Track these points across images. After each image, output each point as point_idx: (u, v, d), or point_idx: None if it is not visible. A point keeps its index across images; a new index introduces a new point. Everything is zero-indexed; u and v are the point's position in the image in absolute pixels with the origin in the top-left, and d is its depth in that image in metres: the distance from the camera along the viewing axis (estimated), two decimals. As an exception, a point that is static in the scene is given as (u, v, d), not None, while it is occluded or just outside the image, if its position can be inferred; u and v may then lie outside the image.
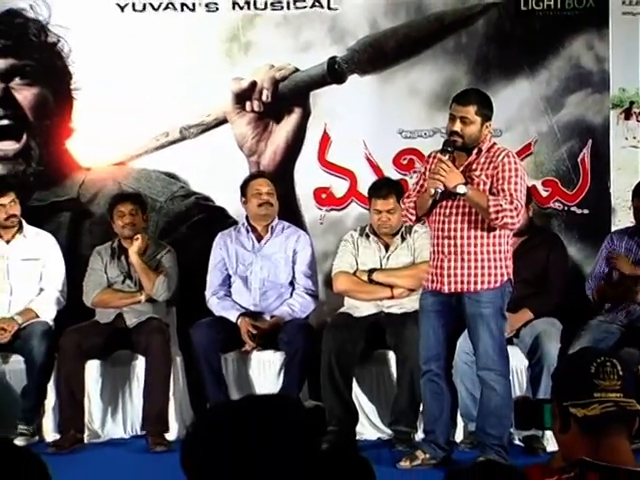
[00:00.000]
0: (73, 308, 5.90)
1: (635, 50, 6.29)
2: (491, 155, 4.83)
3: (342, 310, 5.76)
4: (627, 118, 6.38)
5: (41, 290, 5.88)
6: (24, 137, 6.34)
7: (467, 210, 4.81)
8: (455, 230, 4.83)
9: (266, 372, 5.71)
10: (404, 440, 5.38)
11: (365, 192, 5.95)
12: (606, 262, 5.74)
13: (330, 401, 5.39)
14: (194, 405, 5.73)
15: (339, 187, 6.43)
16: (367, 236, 5.77)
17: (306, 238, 5.97)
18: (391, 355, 5.58)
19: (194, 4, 6.32)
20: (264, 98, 6.33)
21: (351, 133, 6.32)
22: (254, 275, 5.86)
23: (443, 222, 4.85)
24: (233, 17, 6.34)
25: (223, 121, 6.37)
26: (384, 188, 5.70)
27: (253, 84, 6.32)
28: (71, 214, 6.41)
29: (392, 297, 5.67)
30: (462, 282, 4.85)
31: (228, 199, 6.29)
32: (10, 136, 6.35)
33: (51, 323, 5.79)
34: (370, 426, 5.62)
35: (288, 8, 6.32)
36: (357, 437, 5.49)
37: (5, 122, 6.34)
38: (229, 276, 5.91)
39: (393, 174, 6.26)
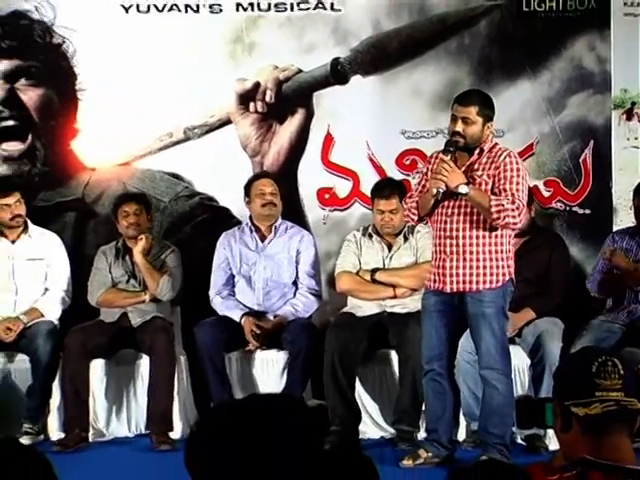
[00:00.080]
0: (78, 307, 5.92)
1: (636, 51, 6.30)
2: (493, 155, 4.84)
3: (345, 310, 5.77)
4: (629, 119, 6.40)
5: (46, 290, 5.89)
6: (29, 138, 6.36)
7: (469, 210, 4.82)
8: (457, 230, 4.84)
9: (269, 371, 5.72)
10: (407, 439, 5.38)
11: (368, 192, 5.95)
12: (607, 260, 5.76)
13: (333, 400, 5.41)
14: (198, 404, 5.74)
15: (342, 187, 6.44)
16: (370, 236, 5.78)
17: (309, 238, 5.98)
18: (394, 354, 5.59)
19: (198, 5, 6.33)
20: (268, 99, 6.34)
21: (354, 134, 6.33)
22: (258, 275, 5.87)
23: (445, 222, 4.87)
24: (237, 18, 6.35)
25: (227, 122, 6.38)
26: (387, 188, 5.70)
27: (257, 85, 6.34)
28: (76, 214, 6.42)
29: (395, 297, 5.68)
30: (464, 282, 4.86)
31: (232, 199, 6.29)
32: (15, 137, 6.36)
33: (56, 322, 5.80)
34: (373, 425, 5.63)
35: (291, 9, 6.34)
36: (360, 436, 5.50)
37: (10, 123, 6.36)
38: (233, 276, 5.92)
39: (396, 174, 6.28)
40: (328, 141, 6.41)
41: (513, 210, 4.70)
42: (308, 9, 6.35)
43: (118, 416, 5.74)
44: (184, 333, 5.93)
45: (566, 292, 5.66)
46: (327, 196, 6.45)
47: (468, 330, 5.02)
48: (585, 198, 6.41)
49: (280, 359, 5.70)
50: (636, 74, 6.34)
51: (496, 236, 4.84)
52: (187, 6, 6.33)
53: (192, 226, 6.44)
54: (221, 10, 6.35)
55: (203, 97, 6.30)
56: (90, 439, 5.59)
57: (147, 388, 5.62)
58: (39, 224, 5.99)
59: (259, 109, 6.36)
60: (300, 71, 6.36)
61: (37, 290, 5.87)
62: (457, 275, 4.87)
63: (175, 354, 5.67)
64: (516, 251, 5.13)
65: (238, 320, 5.73)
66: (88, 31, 6.28)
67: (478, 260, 4.84)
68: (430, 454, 5.02)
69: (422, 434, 5.32)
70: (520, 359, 5.44)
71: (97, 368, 5.69)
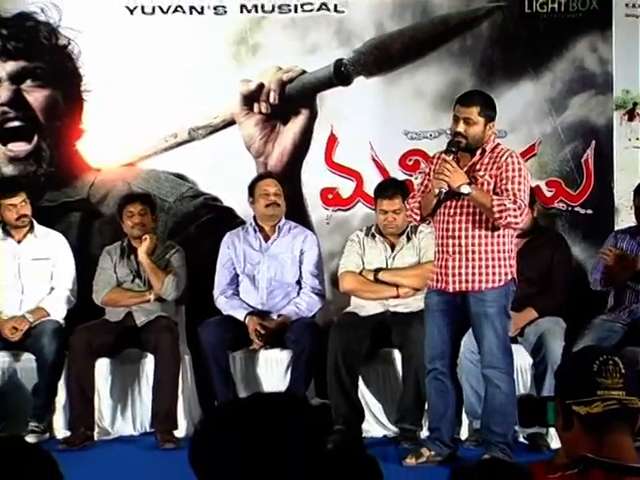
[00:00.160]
0: (83, 307, 5.94)
1: (638, 52, 6.30)
2: (495, 155, 4.86)
3: (348, 309, 5.78)
4: (630, 119, 6.41)
5: (52, 289, 5.91)
6: (35, 138, 6.37)
7: (471, 210, 4.83)
8: (459, 230, 4.86)
9: (273, 370, 5.73)
10: (410, 437, 5.40)
11: (371, 192, 5.97)
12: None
13: (336, 399, 5.42)
14: (202, 403, 5.75)
15: (345, 188, 6.46)
16: (373, 236, 5.80)
17: (313, 238, 6.00)
18: (397, 354, 5.60)
19: (202, 7, 6.34)
20: (271, 100, 6.35)
21: (357, 134, 6.34)
22: (261, 274, 5.89)
23: (448, 222, 4.88)
24: (241, 20, 6.37)
25: (231, 122, 6.39)
26: (390, 188, 5.72)
27: (261, 86, 6.35)
28: (81, 214, 6.44)
29: (398, 296, 5.69)
30: (467, 281, 4.87)
31: (236, 199, 6.31)
32: (21, 137, 6.38)
33: (62, 321, 5.82)
34: (376, 424, 5.64)
35: (295, 11, 6.35)
36: (363, 435, 5.51)
37: (16, 123, 6.38)
38: (237, 275, 5.94)
39: (399, 175, 6.29)
40: (331, 142, 6.42)
41: (515, 210, 4.72)
42: (312, 11, 6.36)
43: (123, 414, 5.77)
44: (188, 332, 5.94)
45: (568, 292, 5.68)
46: (330, 196, 6.46)
47: (470, 329, 5.03)
48: (587, 198, 6.42)
49: (284, 358, 5.72)
50: (637, 75, 6.34)
51: (498, 236, 4.85)
52: (192, 8, 6.35)
53: (196, 226, 6.45)
54: (225, 12, 6.36)
55: (207, 98, 6.31)
56: (95, 437, 5.60)
57: (152, 387, 5.64)
58: (45, 224, 6.01)
59: (263, 110, 6.37)
60: (304, 72, 6.37)
61: (43, 289, 5.90)
62: (460, 275, 4.88)
63: (179, 353, 5.69)
64: (518, 251, 5.15)
65: (242, 319, 5.75)
66: (93, 32, 6.29)
67: (480, 260, 4.85)
68: (433, 452, 5.03)
69: (425, 433, 5.35)
70: (522, 358, 5.45)
71: (102, 367, 5.71)
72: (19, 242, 5.91)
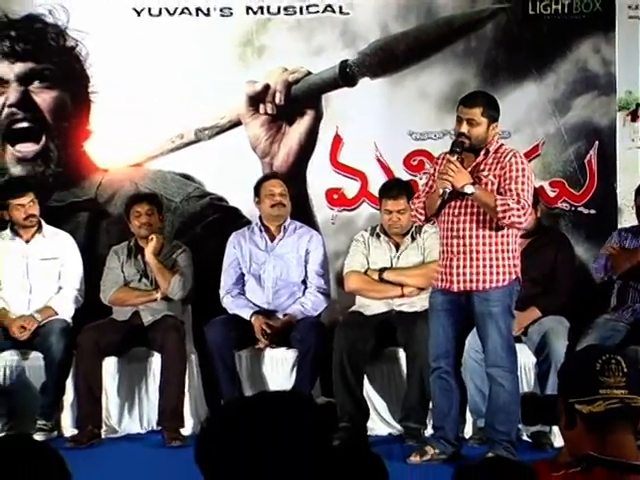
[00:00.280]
0: (91, 306, 5.96)
1: (641, 53, 6.37)
2: (498, 156, 4.87)
3: (353, 309, 5.80)
4: (633, 120, 6.42)
5: (60, 289, 5.93)
6: (43, 139, 6.40)
7: (475, 210, 4.84)
8: (464, 230, 4.87)
9: (279, 369, 5.75)
10: (414, 436, 5.41)
11: (376, 193, 5.99)
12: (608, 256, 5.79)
13: (342, 398, 5.44)
14: (208, 401, 5.78)
15: (350, 188, 6.48)
16: (378, 236, 5.82)
17: (318, 238, 6.02)
18: (401, 353, 5.62)
19: (209, 9, 6.37)
20: (277, 101, 6.37)
21: (362, 135, 6.36)
22: (267, 274, 5.91)
23: (452, 222, 4.90)
24: (247, 21, 6.39)
25: (237, 123, 6.42)
26: (395, 189, 5.74)
27: (266, 87, 6.37)
28: (89, 214, 6.47)
29: (402, 296, 5.71)
30: (471, 281, 4.88)
31: (242, 199, 6.33)
32: (29, 138, 6.41)
33: (69, 321, 5.85)
34: (381, 422, 5.66)
35: (301, 13, 6.38)
36: (368, 433, 5.53)
37: (25, 124, 6.41)
38: (243, 275, 5.96)
39: (403, 175, 6.31)
40: (337, 142, 6.44)
41: (518, 210, 4.73)
42: (317, 12, 6.38)
43: (130, 413, 5.79)
44: (195, 331, 5.96)
45: (571, 291, 5.69)
46: (336, 196, 6.49)
47: (475, 328, 5.04)
48: (590, 198, 6.44)
49: (289, 357, 5.74)
50: (640, 76, 6.40)
51: (502, 236, 4.87)
52: (198, 9, 6.37)
53: (203, 226, 6.47)
54: (231, 13, 6.38)
55: (214, 99, 6.34)
56: (102, 435, 5.63)
57: (158, 385, 5.66)
58: (53, 224, 6.04)
59: (269, 111, 6.39)
60: (309, 73, 6.39)
61: (51, 289, 5.92)
62: (464, 274, 4.89)
63: (186, 352, 5.71)
64: (522, 251, 5.16)
65: (248, 318, 5.77)
66: (101, 34, 6.32)
67: (485, 259, 4.87)
68: (437, 451, 5.04)
69: (429, 431, 5.36)
70: (526, 357, 5.47)
71: (109, 366, 5.73)
72: (27, 242, 5.93)
